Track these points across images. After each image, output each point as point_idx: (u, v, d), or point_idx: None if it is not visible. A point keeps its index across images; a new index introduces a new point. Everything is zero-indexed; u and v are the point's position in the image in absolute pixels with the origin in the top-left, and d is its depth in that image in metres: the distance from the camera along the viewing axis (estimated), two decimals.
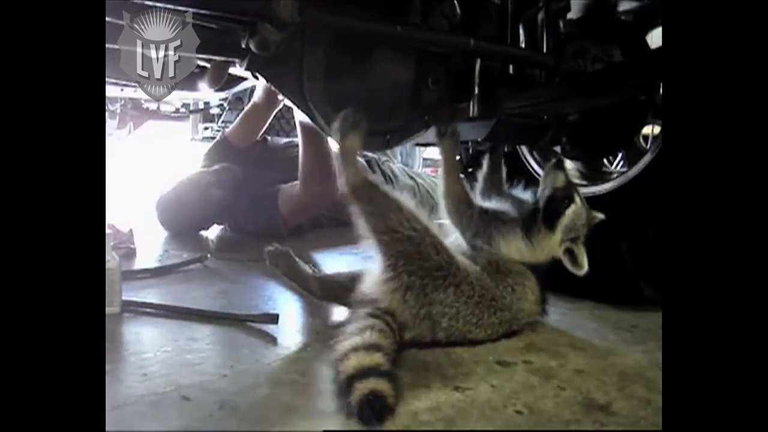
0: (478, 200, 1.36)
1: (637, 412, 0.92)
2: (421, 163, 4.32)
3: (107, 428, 0.82)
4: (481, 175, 1.44)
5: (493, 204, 1.35)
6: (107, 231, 1.38)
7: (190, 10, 0.86)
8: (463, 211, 1.30)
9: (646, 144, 1.74)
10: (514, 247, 1.26)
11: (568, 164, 1.76)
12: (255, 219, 2.33)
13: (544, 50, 1.41)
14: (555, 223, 1.25)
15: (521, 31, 1.48)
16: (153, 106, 3.27)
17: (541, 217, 1.26)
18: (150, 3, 0.84)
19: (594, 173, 1.75)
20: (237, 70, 1.86)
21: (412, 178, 2.82)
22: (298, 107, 1.16)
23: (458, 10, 1.31)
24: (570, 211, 1.25)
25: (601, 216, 1.30)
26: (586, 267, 1.22)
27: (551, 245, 1.25)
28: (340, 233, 2.32)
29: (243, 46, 0.99)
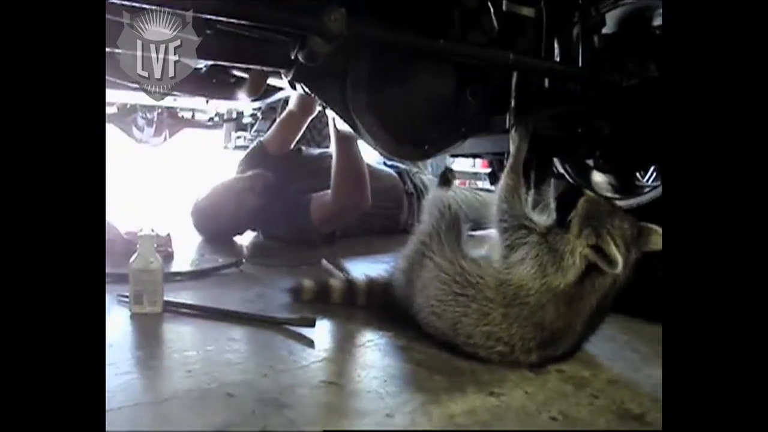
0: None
1: None
2: None
3: (155, 419, 0.87)
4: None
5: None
6: (150, 233, 1.43)
7: (247, 23, 0.90)
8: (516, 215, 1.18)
9: None
10: (533, 267, 1.11)
11: (600, 177, 1.78)
12: (287, 226, 2.38)
13: (580, 65, 1.44)
14: (569, 218, 1.11)
15: (556, 46, 1.51)
16: (188, 114, 3.36)
17: (555, 222, 1.13)
18: (209, 16, 0.88)
19: (626, 187, 1.75)
20: (274, 80, 1.93)
21: None
22: (341, 116, 1.20)
23: (495, 24, 1.34)
24: (582, 200, 1.12)
25: (655, 227, 1.11)
26: (619, 261, 1.04)
27: (572, 244, 1.09)
28: (370, 242, 2.36)
29: (291, 57, 1.03)
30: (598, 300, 1.12)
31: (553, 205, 1.17)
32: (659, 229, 1.11)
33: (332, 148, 2.21)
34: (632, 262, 1.10)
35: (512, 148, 1.25)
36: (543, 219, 1.19)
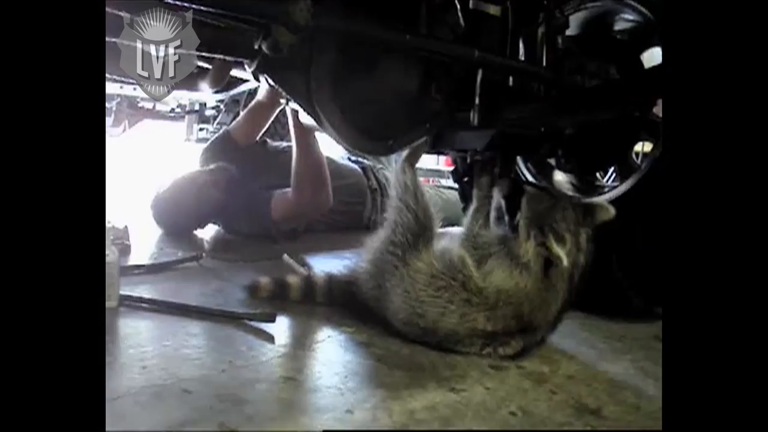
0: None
1: (626, 417, 0.95)
2: None
3: (109, 417, 0.84)
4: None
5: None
6: (107, 225, 1.39)
7: (209, 9, 0.88)
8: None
9: (638, 159, 1.79)
10: (503, 272, 1.16)
11: (562, 176, 1.81)
12: (247, 221, 2.35)
13: (544, 65, 1.45)
14: (516, 222, 1.15)
15: (521, 46, 1.52)
16: (149, 105, 3.28)
17: (508, 227, 1.17)
18: (169, 1, 0.86)
19: (586, 186, 1.79)
20: (238, 71, 1.90)
21: None
22: (305, 109, 1.18)
23: (462, 22, 1.35)
24: (524, 200, 1.16)
25: (598, 202, 1.19)
26: (562, 257, 1.08)
27: (524, 247, 1.13)
28: (333, 237, 2.35)
29: (255, 47, 1.01)
30: (570, 281, 1.16)
31: (503, 206, 1.20)
32: (603, 203, 1.19)
33: (292, 146, 2.18)
34: (586, 239, 1.15)
35: (475, 199, 1.31)
36: (499, 226, 1.22)
